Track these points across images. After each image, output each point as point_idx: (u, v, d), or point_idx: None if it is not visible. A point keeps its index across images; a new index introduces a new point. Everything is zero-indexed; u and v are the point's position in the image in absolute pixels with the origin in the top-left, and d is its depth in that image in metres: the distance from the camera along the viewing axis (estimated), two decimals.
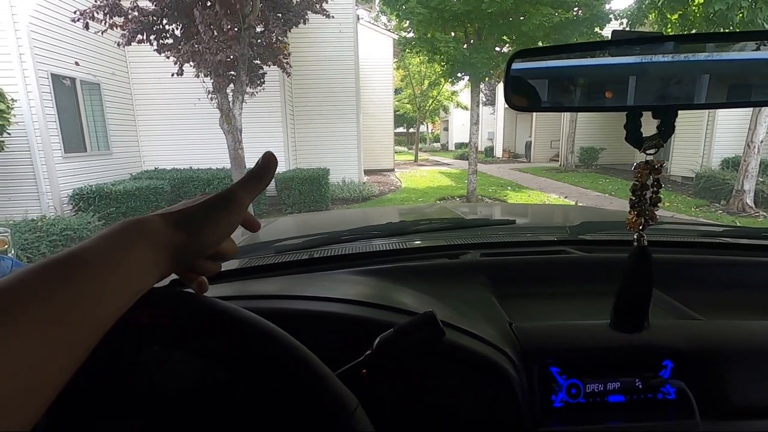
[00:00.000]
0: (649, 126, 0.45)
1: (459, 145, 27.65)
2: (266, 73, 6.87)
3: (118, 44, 6.01)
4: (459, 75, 8.81)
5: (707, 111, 9.14)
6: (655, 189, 0.45)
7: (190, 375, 0.44)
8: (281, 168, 8.57)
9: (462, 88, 18.37)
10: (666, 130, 0.43)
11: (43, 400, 0.22)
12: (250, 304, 0.56)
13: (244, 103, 6.21)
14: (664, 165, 0.45)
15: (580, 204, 7.39)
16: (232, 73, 6.01)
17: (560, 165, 14.60)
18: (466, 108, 20.76)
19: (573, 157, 13.95)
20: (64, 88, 6.57)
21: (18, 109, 5.69)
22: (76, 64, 6.83)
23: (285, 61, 6.66)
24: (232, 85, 6.09)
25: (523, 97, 0.43)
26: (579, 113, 13.20)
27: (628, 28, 7.95)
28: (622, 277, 0.46)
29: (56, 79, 6.40)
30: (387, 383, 0.50)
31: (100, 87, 7.43)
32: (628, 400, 0.55)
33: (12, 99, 5.48)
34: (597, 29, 7.90)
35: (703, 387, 0.54)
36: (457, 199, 8.96)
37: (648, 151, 0.44)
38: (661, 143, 0.43)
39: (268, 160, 0.39)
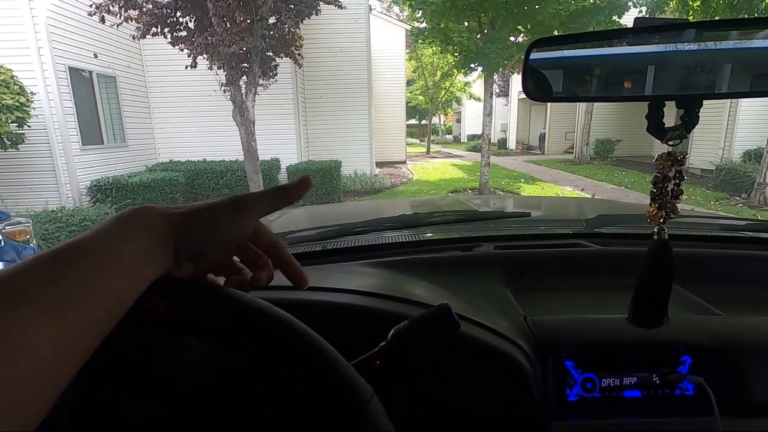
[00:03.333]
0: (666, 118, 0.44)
1: (471, 137, 27.39)
2: (278, 65, 6.88)
3: (134, 37, 6.08)
4: (472, 66, 8.68)
5: (729, 101, 8.88)
6: (677, 181, 0.44)
7: (206, 362, 0.45)
8: (293, 160, 8.62)
9: (475, 79, 18.12)
10: (689, 120, 0.42)
11: (53, 384, 0.22)
12: (262, 295, 0.57)
13: (256, 95, 6.24)
14: (687, 156, 0.43)
15: (597, 197, 7.27)
16: (245, 65, 6.03)
17: (575, 157, 14.36)
18: (479, 99, 20.53)
19: (588, 149, 13.71)
20: (81, 81, 6.68)
21: (37, 102, 5.81)
22: (95, 56, 6.93)
23: (297, 52, 6.66)
24: (245, 77, 6.11)
25: (542, 87, 0.42)
26: (595, 104, 12.94)
27: (648, 16, 7.73)
28: (642, 271, 0.45)
29: (74, 72, 6.50)
30: (401, 375, 0.50)
31: (116, 80, 7.54)
32: (644, 395, 0.55)
33: (31, 92, 5.59)
34: (615, 17, 7.69)
35: (723, 383, 0.53)
36: (470, 191, 8.90)
37: (670, 142, 0.43)
38: (685, 134, 0.42)
39: (304, 183, 0.37)
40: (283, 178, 8.22)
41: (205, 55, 5.90)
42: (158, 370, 0.43)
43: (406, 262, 0.76)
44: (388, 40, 14.09)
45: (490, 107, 8.12)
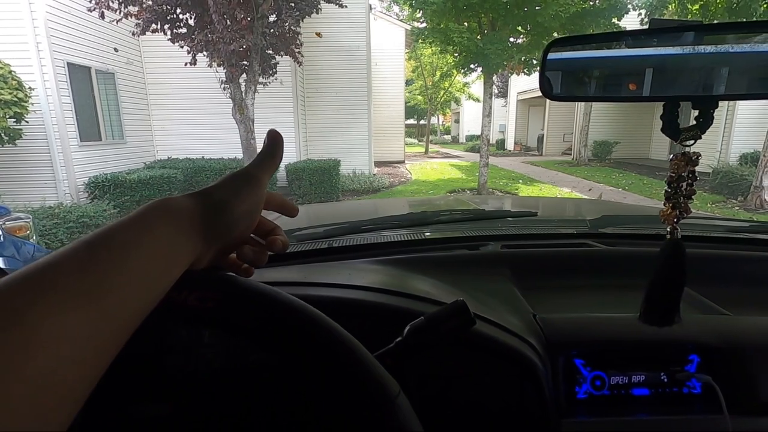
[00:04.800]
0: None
1: (470, 138, 27.43)
2: (278, 63, 6.87)
3: (133, 33, 6.06)
4: (472, 66, 8.70)
5: (726, 105, 8.93)
6: (690, 181, 0.45)
7: (220, 357, 0.45)
8: (292, 159, 8.60)
9: (474, 80, 18.16)
10: (704, 120, 0.43)
11: (90, 373, 0.22)
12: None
13: (256, 93, 6.23)
14: (701, 157, 0.44)
15: (601, 198, 7.29)
16: (245, 62, 6.02)
17: (573, 159, 14.40)
18: (477, 100, 20.56)
19: (586, 150, 13.75)
20: (80, 77, 6.65)
21: (35, 98, 5.77)
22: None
23: (297, 50, 6.65)
24: (244, 75, 6.09)
25: (560, 86, 0.42)
26: (594, 106, 12.99)
27: (646, 19, 7.77)
28: (655, 270, 0.46)
29: (73, 68, 6.47)
30: (413, 371, 0.50)
31: (114, 76, 7.50)
32: (653, 393, 0.55)
33: (30, 88, 5.56)
34: (615, 20, 7.72)
35: (731, 382, 0.54)
36: (468, 191, 8.91)
37: (685, 143, 0.44)
38: (699, 135, 0.43)
39: (275, 138, 0.39)
40: (281, 176, 8.21)
41: (204, 53, 5.88)
42: (170, 368, 0.43)
43: (413, 260, 0.76)
44: (388, 40, 14.09)
45: (489, 108, 8.14)
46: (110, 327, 0.24)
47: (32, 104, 5.62)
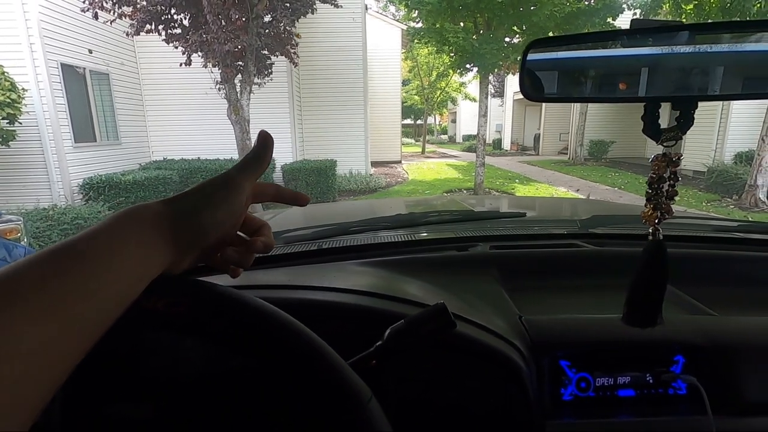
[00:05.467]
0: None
1: (467, 137, 27.47)
2: (274, 64, 6.85)
3: (127, 34, 6.02)
4: (468, 66, 8.72)
5: (721, 104, 8.97)
6: (672, 182, 0.44)
7: (201, 362, 0.45)
8: (288, 159, 8.59)
9: (470, 80, 18.20)
10: (685, 121, 0.42)
11: (47, 384, 0.22)
12: (258, 294, 0.56)
13: (251, 94, 6.21)
14: (682, 158, 0.44)
15: (592, 197, 7.32)
16: (240, 63, 6.00)
17: (569, 158, 14.45)
18: (474, 100, 20.59)
19: (582, 150, 13.80)
20: (74, 78, 6.61)
21: (29, 99, 5.74)
22: (90, 52, 6.86)
23: (293, 51, 6.63)
24: (240, 76, 6.08)
25: (539, 87, 0.42)
26: (590, 106, 13.03)
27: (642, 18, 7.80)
28: (636, 271, 0.46)
29: (66, 68, 6.43)
30: (396, 374, 0.50)
31: (109, 77, 7.46)
32: (638, 394, 0.55)
33: (23, 89, 5.52)
34: (610, 20, 7.75)
35: (716, 383, 0.54)
36: (464, 191, 8.92)
37: (666, 144, 0.43)
38: (680, 135, 0.42)
39: (265, 140, 0.38)
40: (278, 177, 8.20)
41: (199, 53, 5.86)
42: (151, 370, 0.43)
43: (401, 262, 0.76)
44: (384, 40, 14.09)
45: (486, 108, 8.15)
46: (71, 339, 0.24)
47: (26, 105, 5.58)
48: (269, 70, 6.80)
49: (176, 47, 6.02)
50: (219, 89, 6.03)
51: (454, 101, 27.69)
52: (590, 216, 1.04)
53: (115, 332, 0.27)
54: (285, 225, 1.01)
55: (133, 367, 0.42)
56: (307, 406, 0.31)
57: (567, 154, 15.10)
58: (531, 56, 0.42)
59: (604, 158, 14.03)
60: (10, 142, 5.47)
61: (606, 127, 14.33)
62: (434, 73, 19.67)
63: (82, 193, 6.48)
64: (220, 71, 5.89)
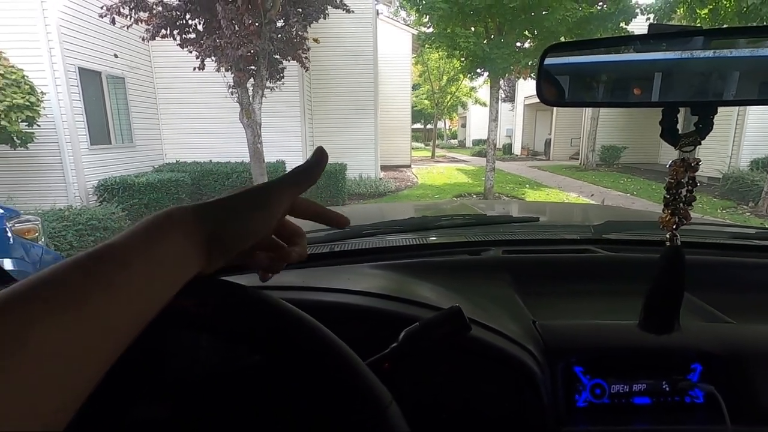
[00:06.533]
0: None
1: (477, 142, 27.39)
2: (286, 68, 6.92)
3: (143, 39, 6.14)
4: (478, 71, 8.71)
5: (737, 110, 8.83)
6: (690, 187, 0.44)
7: (219, 362, 0.45)
8: (298, 162, 8.58)
9: (481, 84, 18.15)
10: (704, 126, 0.42)
11: (77, 389, 0.22)
12: (274, 295, 0.57)
13: (263, 98, 6.27)
14: (700, 163, 0.44)
15: (606, 203, 7.23)
16: (253, 67, 6.07)
17: (580, 163, 14.32)
18: (484, 104, 20.54)
19: (594, 155, 13.66)
20: (90, 82, 6.75)
21: (47, 102, 5.86)
22: (115, 56, 7.01)
23: (304, 56, 6.69)
24: (252, 80, 6.15)
25: (557, 92, 0.42)
26: (601, 110, 12.90)
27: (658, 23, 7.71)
28: (654, 277, 0.45)
29: (84, 72, 6.57)
30: (410, 377, 0.50)
31: (124, 81, 7.60)
32: (654, 402, 0.54)
33: (42, 92, 5.65)
34: (623, 24, 7.69)
35: (734, 391, 0.53)
36: (474, 196, 8.89)
37: (684, 149, 0.43)
38: (699, 140, 0.42)
39: (320, 156, 0.37)
40: None
41: (213, 58, 5.94)
42: (169, 370, 0.44)
43: (414, 265, 0.76)
44: (395, 45, 14.15)
45: (496, 112, 8.13)
46: (109, 343, 0.24)
47: (44, 108, 5.71)
48: (281, 75, 6.87)
49: (190, 52, 6.11)
50: (231, 93, 6.10)
51: (464, 106, 27.64)
52: (604, 221, 1.03)
53: (147, 332, 0.28)
54: None
55: (152, 367, 0.43)
56: (328, 409, 0.31)
57: (578, 159, 14.96)
58: (548, 61, 0.42)
59: (616, 164, 13.87)
60: (29, 144, 5.59)
61: (618, 132, 14.18)
62: (444, 78, 19.68)
63: (96, 195, 6.59)
64: (233, 75, 5.96)
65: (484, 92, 20.90)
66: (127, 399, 0.40)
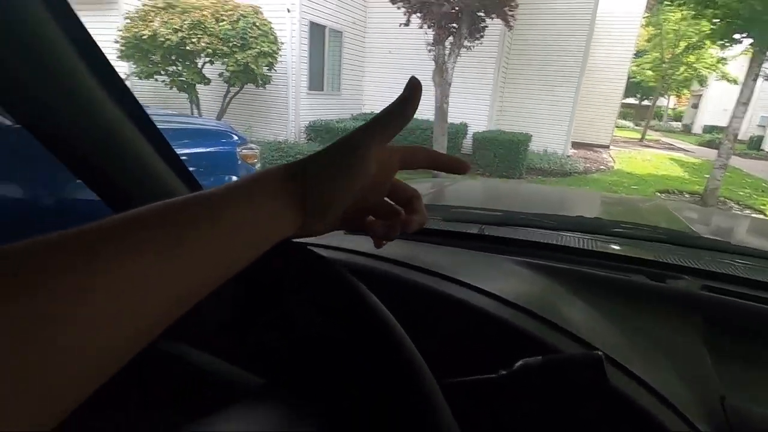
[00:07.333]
0: None
1: (709, 129, 21.79)
2: (487, 27, 6.62)
3: None
4: (737, 36, 6.66)
5: None
6: None
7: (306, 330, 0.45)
8: (481, 127, 8.42)
9: (736, 55, 13.94)
10: None
11: (163, 322, 0.23)
12: (408, 275, 0.54)
13: (459, 57, 6.20)
14: None
15: None
16: (455, 25, 6.01)
17: None
18: (735, 82, 15.92)
19: None
20: (316, 35, 7.83)
21: (282, 51, 7.06)
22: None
23: (510, 13, 6.25)
24: (451, 38, 6.11)
25: None
26: None
27: None
28: None
29: (313, 26, 7.64)
30: (514, 413, 0.43)
31: (341, 35, 8.53)
32: None
33: (281, 42, 6.84)
34: None
35: None
36: (686, 195, 7.21)
37: None
38: None
39: (414, 90, 0.31)
40: (467, 144, 8.15)
41: (419, 14, 6.09)
42: (257, 336, 0.44)
43: (568, 273, 0.64)
44: (622, 3, 11.96)
45: (750, 93, 6.21)
46: (189, 281, 0.24)
47: (281, 56, 6.90)
48: (482, 33, 6.61)
49: (399, 8, 6.39)
50: (429, 51, 6.21)
51: (702, 81, 22.01)
52: None
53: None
54: (449, 200, 0.98)
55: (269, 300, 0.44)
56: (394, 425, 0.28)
57: None
58: None
59: None
60: (267, 85, 6.90)
61: None
62: (682, 44, 15.82)
63: (305, 134, 7.80)
64: (434, 32, 6.03)
65: (735, 66, 16.14)
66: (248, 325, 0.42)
